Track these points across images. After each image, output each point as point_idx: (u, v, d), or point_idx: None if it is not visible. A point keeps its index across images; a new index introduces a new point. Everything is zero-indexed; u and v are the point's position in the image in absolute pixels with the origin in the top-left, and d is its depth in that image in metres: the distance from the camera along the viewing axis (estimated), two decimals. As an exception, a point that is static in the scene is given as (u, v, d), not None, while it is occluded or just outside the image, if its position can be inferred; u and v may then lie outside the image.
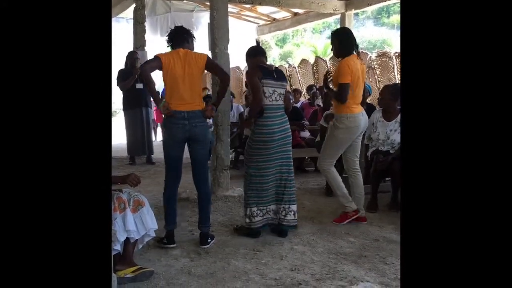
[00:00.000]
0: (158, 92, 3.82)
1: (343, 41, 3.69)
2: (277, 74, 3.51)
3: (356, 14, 12.43)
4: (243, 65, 10.36)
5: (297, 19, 10.60)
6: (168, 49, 3.52)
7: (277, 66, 11.58)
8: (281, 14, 10.77)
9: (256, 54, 3.60)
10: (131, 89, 6.53)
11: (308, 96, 7.81)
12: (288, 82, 10.69)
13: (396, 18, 21.71)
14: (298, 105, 7.12)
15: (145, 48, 7.70)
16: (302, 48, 21.32)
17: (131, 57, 6.62)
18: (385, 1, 8.35)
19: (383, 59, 8.24)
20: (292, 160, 3.64)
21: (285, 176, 3.56)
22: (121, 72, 6.62)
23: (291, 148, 3.61)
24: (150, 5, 9.80)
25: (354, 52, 3.68)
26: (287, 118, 3.56)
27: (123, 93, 6.71)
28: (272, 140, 3.44)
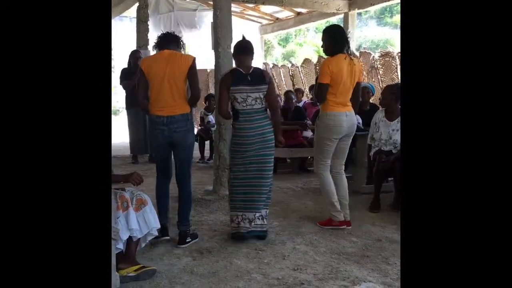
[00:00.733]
0: None
1: (332, 40, 3.59)
2: (253, 77, 3.34)
3: (359, 14, 12.41)
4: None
5: (300, 19, 10.60)
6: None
7: (273, 66, 11.49)
8: (284, 13, 10.78)
9: (237, 52, 3.46)
10: (134, 88, 6.53)
11: (311, 96, 7.80)
12: (291, 81, 10.70)
13: (399, 18, 21.66)
14: (301, 104, 7.11)
15: (148, 47, 7.71)
16: (305, 47, 21.29)
17: (134, 56, 6.62)
18: (388, 1, 8.34)
19: (386, 59, 8.23)
20: (271, 165, 3.46)
21: (263, 181, 3.41)
22: (124, 71, 6.62)
23: (272, 152, 3.43)
24: (153, 4, 9.81)
25: (345, 52, 3.56)
26: (267, 123, 3.40)
27: (126, 92, 6.72)
28: (245, 144, 3.35)
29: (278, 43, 21.67)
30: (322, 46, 3.71)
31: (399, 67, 7.87)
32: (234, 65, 3.58)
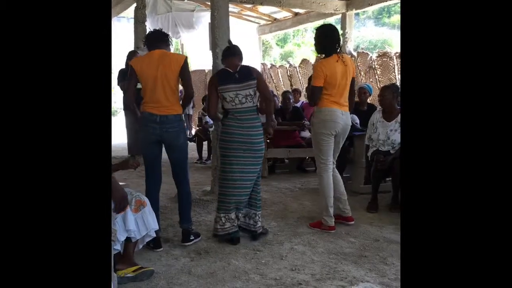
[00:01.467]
0: None
1: (325, 39, 3.59)
2: (240, 75, 3.32)
3: (357, 14, 12.44)
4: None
5: (298, 19, 10.60)
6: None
7: (271, 66, 11.46)
8: (282, 14, 10.77)
9: (224, 57, 3.48)
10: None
11: (309, 96, 7.80)
12: (289, 82, 10.70)
13: (397, 18, 21.68)
14: (298, 105, 7.11)
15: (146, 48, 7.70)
16: (303, 48, 21.30)
17: (132, 57, 6.61)
18: (386, 1, 8.34)
19: (383, 59, 8.23)
20: (258, 167, 3.44)
21: (250, 183, 3.41)
22: (121, 72, 6.62)
23: (260, 154, 3.41)
24: (151, 5, 9.79)
25: (337, 51, 3.56)
26: (258, 124, 3.37)
27: (124, 93, 6.71)
28: (231, 141, 3.33)
29: (276, 44, 21.68)
30: (314, 45, 3.71)
31: (396, 67, 7.88)
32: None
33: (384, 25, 22.73)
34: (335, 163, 3.82)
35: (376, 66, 8.36)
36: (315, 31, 3.73)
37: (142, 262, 2.88)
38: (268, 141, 5.80)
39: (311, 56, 14.25)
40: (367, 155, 4.59)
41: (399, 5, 17.50)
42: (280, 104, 6.54)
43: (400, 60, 7.67)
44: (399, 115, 4.36)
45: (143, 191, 3.18)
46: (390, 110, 4.43)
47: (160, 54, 3.23)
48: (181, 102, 3.39)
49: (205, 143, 7.35)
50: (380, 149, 4.42)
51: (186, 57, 3.31)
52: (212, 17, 4.73)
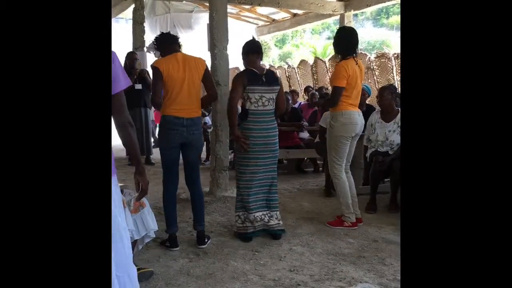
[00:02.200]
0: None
1: (347, 41, 3.66)
2: (267, 78, 3.42)
3: (355, 15, 12.45)
4: (242, 66, 10.40)
5: (296, 20, 10.61)
6: (152, 57, 3.51)
7: (270, 67, 11.52)
8: (281, 15, 10.79)
9: (248, 51, 3.50)
10: (130, 90, 6.48)
11: (307, 97, 7.82)
12: (288, 83, 10.71)
13: (395, 19, 21.73)
14: (296, 106, 7.12)
15: (144, 48, 7.70)
16: (301, 49, 21.34)
17: (130, 58, 6.62)
18: (384, 2, 8.35)
19: (382, 60, 8.25)
20: (276, 167, 3.59)
21: (269, 182, 3.54)
22: (120, 73, 6.61)
23: (276, 155, 3.55)
24: (149, 6, 9.81)
25: (354, 54, 3.64)
26: (274, 125, 3.51)
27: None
28: (254, 144, 3.39)
29: (275, 45, 21.71)
30: (334, 44, 3.75)
31: (395, 68, 7.89)
32: (241, 68, 3.61)
33: (383, 26, 22.77)
34: (349, 164, 3.91)
35: (375, 67, 8.37)
36: (338, 31, 3.83)
37: (140, 263, 2.88)
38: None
39: (310, 57, 14.26)
40: (366, 156, 4.60)
41: (397, 6, 17.53)
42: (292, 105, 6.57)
43: (398, 61, 7.72)
44: (397, 115, 4.38)
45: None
46: (389, 111, 4.44)
47: (183, 57, 3.27)
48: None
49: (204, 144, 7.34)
50: (378, 150, 4.43)
51: (205, 61, 3.39)
52: (211, 18, 4.74)
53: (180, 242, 3.36)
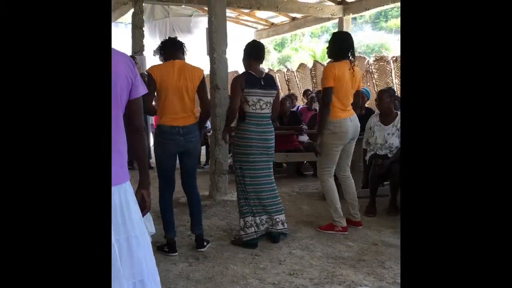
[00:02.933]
0: None
1: (338, 45, 3.67)
2: (266, 82, 3.44)
3: (354, 19, 12.48)
4: (241, 69, 10.42)
5: (295, 24, 10.63)
6: (157, 60, 3.51)
7: (269, 71, 11.53)
8: (279, 18, 10.81)
9: (250, 56, 3.50)
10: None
11: (306, 101, 7.83)
12: (287, 86, 10.73)
13: (394, 22, 21.79)
14: (295, 109, 7.13)
15: (144, 53, 7.72)
16: (300, 52, 21.36)
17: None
18: (383, 5, 8.37)
19: (380, 63, 8.26)
20: (272, 171, 3.58)
21: (269, 186, 3.51)
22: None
23: (273, 158, 3.57)
24: (148, 10, 9.83)
25: (348, 59, 3.62)
26: (271, 129, 3.51)
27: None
28: (251, 146, 3.41)
29: (274, 48, 21.74)
30: (327, 48, 3.77)
31: (393, 71, 7.90)
32: (241, 72, 3.62)
33: (381, 29, 22.83)
34: (349, 167, 3.90)
35: (373, 70, 8.39)
36: (331, 36, 3.83)
37: (140, 267, 2.87)
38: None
39: (309, 60, 14.28)
40: (365, 159, 4.60)
41: (396, 9, 17.55)
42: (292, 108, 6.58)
43: (396, 64, 7.73)
44: (396, 118, 4.38)
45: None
46: (388, 114, 4.44)
47: (180, 64, 3.25)
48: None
49: (203, 148, 7.34)
50: (377, 153, 4.43)
51: (203, 71, 3.38)
52: (210, 22, 4.75)
53: (180, 246, 3.35)
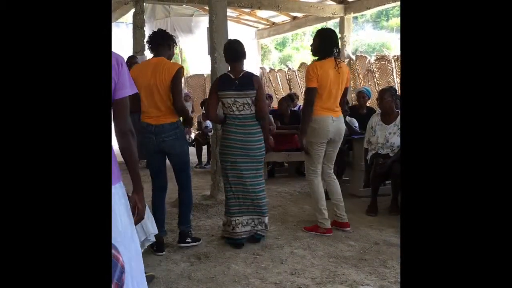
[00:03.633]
0: None
1: (322, 42, 3.58)
2: (241, 82, 3.32)
3: (355, 18, 12.46)
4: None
5: (296, 23, 10.63)
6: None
7: (270, 70, 11.47)
8: (280, 18, 10.80)
9: (228, 59, 3.44)
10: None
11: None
12: (288, 85, 10.72)
13: (395, 22, 21.74)
14: (296, 108, 7.12)
15: (145, 52, 7.72)
16: (301, 51, 21.34)
17: (131, 62, 6.62)
18: (384, 4, 8.36)
19: (382, 62, 8.25)
20: (260, 172, 3.46)
21: (252, 188, 3.42)
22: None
23: (259, 160, 3.43)
24: (149, 10, 9.83)
25: (333, 56, 3.55)
26: (256, 130, 3.37)
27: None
28: (229, 147, 3.37)
29: (275, 48, 21.72)
30: (311, 46, 3.72)
31: (395, 70, 7.89)
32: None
33: (383, 28, 22.78)
34: (332, 168, 3.84)
35: (375, 69, 8.38)
36: (315, 34, 3.73)
37: (141, 267, 2.87)
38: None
39: (310, 59, 14.27)
40: (366, 159, 4.59)
41: (397, 8, 17.54)
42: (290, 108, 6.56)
43: (398, 63, 7.72)
44: (398, 118, 4.38)
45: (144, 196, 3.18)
46: (389, 113, 4.44)
47: (156, 62, 3.21)
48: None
49: (204, 148, 7.35)
50: (379, 152, 4.43)
51: (180, 68, 3.26)
52: (211, 21, 4.75)
53: (181, 246, 3.35)
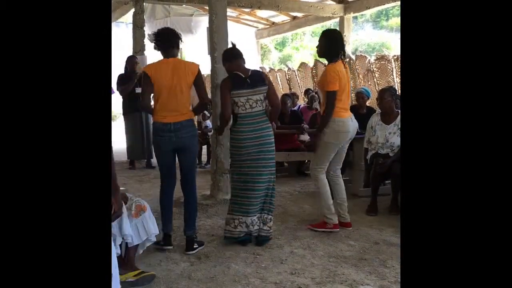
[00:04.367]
0: None
1: (330, 43, 3.60)
2: (252, 80, 3.38)
3: (355, 18, 12.46)
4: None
5: (296, 23, 10.63)
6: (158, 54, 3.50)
7: (270, 70, 11.48)
8: (280, 18, 10.81)
9: (231, 58, 3.49)
10: (130, 94, 6.53)
11: (307, 100, 7.83)
12: (288, 85, 10.72)
13: (395, 21, 21.73)
14: (296, 108, 7.12)
15: (145, 52, 7.72)
16: (301, 51, 21.33)
17: (131, 62, 6.63)
18: (384, 4, 8.37)
19: (381, 62, 8.25)
20: (269, 170, 3.47)
21: (265, 185, 3.45)
22: (120, 77, 6.63)
23: (272, 156, 3.46)
24: (149, 10, 9.83)
25: (340, 57, 3.59)
26: (266, 125, 3.43)
27: (123, 98, 6.72)
28: (243, 147, 3.37)
29: (275, 47, 21.70)
30: (317, 47, 3.72)
31: (395, 70, 7.89)
32: (225, 70, 3.60)
33: (382, 28, 22.77)
34: (340, 167, 3.87)
35: (375, 69, 8.38)
36: (321, 35, 3.74)
37: (142, 267, 2.88)
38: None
39: (310, 59, 14.27)
40: (366, 158, 4.60)
41: (397, 8, 17.51)
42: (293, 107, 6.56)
43: (398, 63, 7.72)
44: (397, 117, 4.38)
45: (143, 196, 3.19)
46: (389, 113, 4.44)
47: (174, 62, 3.27)
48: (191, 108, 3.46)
49: (204, 147, 7.35)
50: (379, 152, 4.43)
51: (199, 66, 3.36)
52: (210, 21, 4.75)
53: (181, 245, 3.36)
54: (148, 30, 8.37)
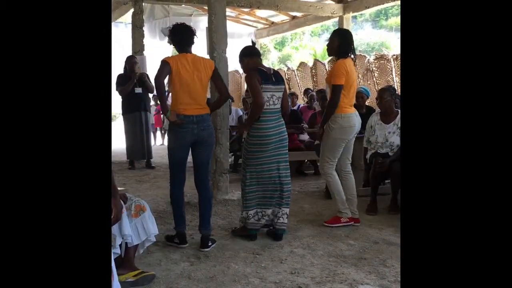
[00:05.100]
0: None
1: (343, 42, 3.70)
2: (276, 78, 3.49)
3: (354, 17, 12.48)
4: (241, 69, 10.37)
5: (295, 23, 10.63)
6: (170, 48, 3.54)
7: (275, 69, 11.58)
8: (280, 17, 10.80)
9: (252, 54, 3.58)
10: (130, 94, 6.54)
11: (306, 100, 7.84)
12: (287, 85, 10.72)
13: (394, 21, 21.76)
14: (296, 108, 7.13)
15: (144, 52, 7.72)
16: (301, 51, 21.35)
17: (130, 62, 6.63)
18: (383, 3, 8.37)
19: (381, 61, 8.25)
20: (289, 163, 3.62)
21: (282, 179, 3.54)
22: (120, 77, 6.63)
23: (287, 151, 3.59)
24: (148, 10, 9.82)
25: (351, 56, 3.70)
26: (283, 122, 3.55)
27: (122, 98, 6.72)
28: (267, 143, 3.43)
29: (274, 47, 21.71)
30: (328, 45, 3.80)
31: (394, 69, 7.89)
32: (241, 71, 3.68)
33: (382, 28, 22.79)
34: (350, 162, 3.95)
35: (374, 68, 8.38)
36: (333, 33, 3.85)
37: (141, 267, 2.87)
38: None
39: (309, 59, 14.26)
40: (366, 158, 4.60)
41: (396, 7, 17.50)
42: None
43: (397, 63, 7.72)
44: (397, 117, 4.38)
45: (142, 196, 3.19)
46: (388, 112, 4.44)
47: (192, 58, 3.33)
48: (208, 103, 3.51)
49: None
50: (378, 151, 4.43)
51: (214, 63, 3.51)
52: (210, 21, 4.75)
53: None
54: (147, 30, 8.37)
